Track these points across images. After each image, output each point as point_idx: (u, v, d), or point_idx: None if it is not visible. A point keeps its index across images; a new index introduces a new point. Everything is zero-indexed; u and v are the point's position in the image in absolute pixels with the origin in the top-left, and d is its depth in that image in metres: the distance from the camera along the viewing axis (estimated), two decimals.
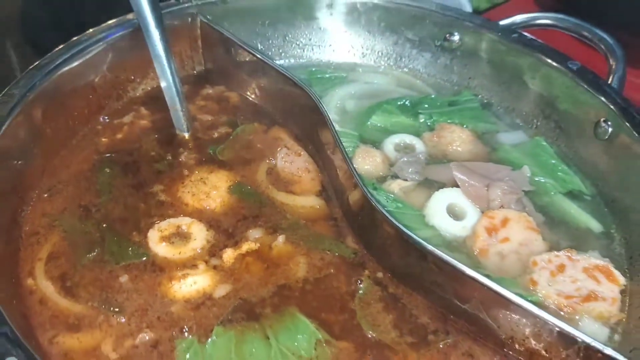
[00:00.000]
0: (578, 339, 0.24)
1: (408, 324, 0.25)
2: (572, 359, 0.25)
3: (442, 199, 0.31)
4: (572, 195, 0.33)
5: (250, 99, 0.37)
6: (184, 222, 0.29)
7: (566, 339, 0.24)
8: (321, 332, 0.25)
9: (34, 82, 0.31)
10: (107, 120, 0.35)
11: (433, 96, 0.40)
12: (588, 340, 0.24)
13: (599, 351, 0.23)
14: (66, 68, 0.33)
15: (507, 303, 0.24)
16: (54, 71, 0.32)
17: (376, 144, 0.36)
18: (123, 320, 0.26)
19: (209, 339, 0.25)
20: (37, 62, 0.33)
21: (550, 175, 0.34)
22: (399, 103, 0.38)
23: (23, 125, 0.30)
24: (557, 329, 0.24)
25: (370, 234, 0.28)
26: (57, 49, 0.33)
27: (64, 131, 0.33)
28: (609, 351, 0.23)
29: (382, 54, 0.42)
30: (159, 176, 0.32)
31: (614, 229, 0.31)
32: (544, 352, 0.25)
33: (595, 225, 0.32)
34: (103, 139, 0.34)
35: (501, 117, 0.39)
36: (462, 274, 0.25)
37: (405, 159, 0.33)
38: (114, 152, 0.33)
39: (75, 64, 0.34)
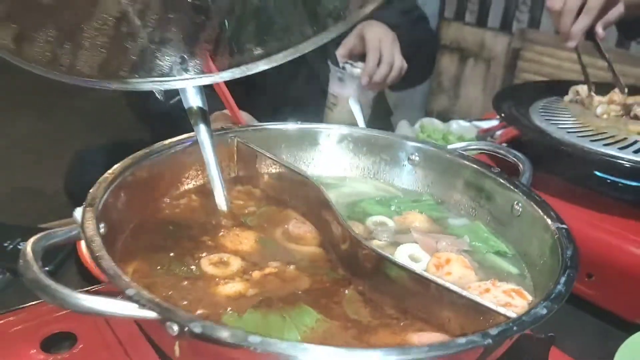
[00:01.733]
0: (491, 307, 0.34)
1: (378, 313, 0.37)
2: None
3: (404, 250, 0.43)
4: (499, 253, 0.45)
5: (270, 193, 0.52)
6: (224, 255, 0.41)
7: (484, 312, 0.35)
8: (320, 315, 0.36)
9: (123, 171, 0.46)
10: (169, 202, 0.49)
11: (401, 196, 0.54)
12: (500, 309, 0.34)
13: (504, 316, 0.34)
14: (146, 163, 0.48)
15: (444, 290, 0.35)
16: (136, 166, 0.47)
17: (360, 221, 0.49)
18: (185, 303, 0.37)
19: (244, 315, 0.36)
20: (127, 158, 0.47)
21: (484, 242, 0.47)
22: (376, 199, 0.53)
23: (113, 201, 0.43)
24: (476, 302, 0.34)
25: (355, 266, 0.40)
26: (142, 151, 0.48)
27: (138, 207, 0.47)
28: (510, 313, 0.34)
29: (364, 169, 0.57)
30: (207, 232, 0.45)
31: (525, 271, 0.43)
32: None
33: (513, 269, 0.44)
34: (166, 211, 0.48)
35: (450, 209, 0.53)
36: (420, 276, 0.36)
37: (380, 229, 0.47)
38: (175, 218, 0.46)
39: (151, 162, 0.48)
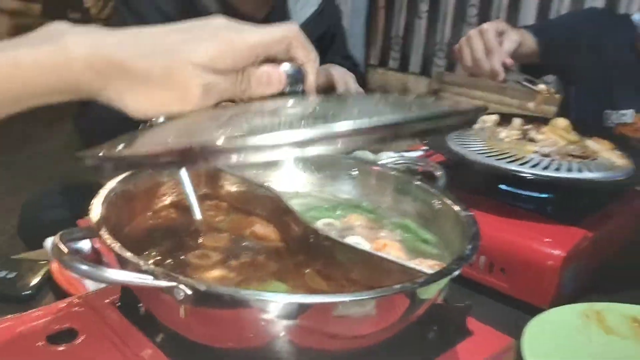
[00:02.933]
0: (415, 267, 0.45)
1: (334, 284, 0.47)
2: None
3: (350, 240, 0.54)
4: (424, 241, 0.57)
5: (236, 205, 0.62)
6: (206, 251, 0.50)
7: (414, 274, 0.46)
8: (288, 287, 0.46)
9: (114, 189, 0.54)
10: (151, 214, 0.57)
11: (344, 204, 0.65)
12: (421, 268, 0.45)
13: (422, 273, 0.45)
14: (131, 182, 0.56)
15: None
16: (122, 184, 0.55)
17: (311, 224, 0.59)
18: None
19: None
20: (113, 179, 0.56)
21: (413, 234, 0.58)
22: (324, 207, 0.64)
23: (106, 213, 0.52)
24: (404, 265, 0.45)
25: (314, 252, 0.50)
26: (127, 172, 0.57)
27: (126, 219, 0.55)
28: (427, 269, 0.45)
29: (313, 184, 0.67)
30: (188, 235, 0.54)
31: (445, 252, 0.55)
32: None
33: (435, 251, 0.55)
34: (150, 222, 0.56)
35: (385, 211, 0.63)
36: (366, 252, 0.46)
37: (329, 228, 0.57)
38: (159, 227, 0.55)
39: (135, 181, 0.57)
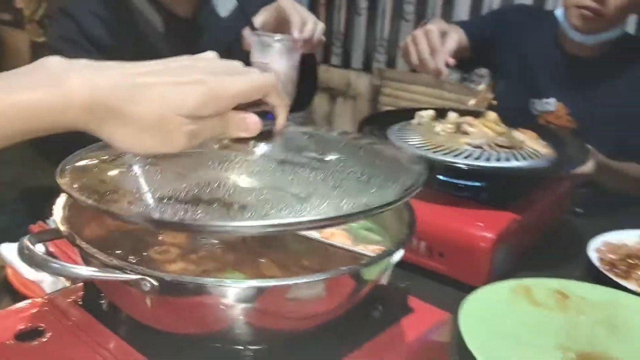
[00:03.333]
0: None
1: (287, 271, 0.51)
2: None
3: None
4: (368, 229, 0.62)
5: None
6: (166, 247, 0.54)
7: (359, 259, 0.51)
8: (245, 275, 0.50)
9: None
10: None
11: None
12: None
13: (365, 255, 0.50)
14: None
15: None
16: None
17: None
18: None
19: None
20: None
21: (358, 224, 0.64)
22: None
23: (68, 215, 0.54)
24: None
25: (269, 244, 0.55)
26: None
27: (85, 223, 0.58)
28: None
29: None
30: (147, 234, 0.57)
31: (387, 238, 0.60)
32: None
33: (377, 238, 0.61)
34: (109, 222, 0.59)
35: None
36: (315, 240, 0.51)
37: None
38: (118, 230, 0.58)
39: None
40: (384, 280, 0.73)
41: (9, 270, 0.77)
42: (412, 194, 0.49)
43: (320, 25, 1.10)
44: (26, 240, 0.44)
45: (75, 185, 0.46)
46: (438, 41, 1.11)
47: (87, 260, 0.45)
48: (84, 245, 0.45)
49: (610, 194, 1.23)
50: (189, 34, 1.21)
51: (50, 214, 0.85)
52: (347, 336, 0.54)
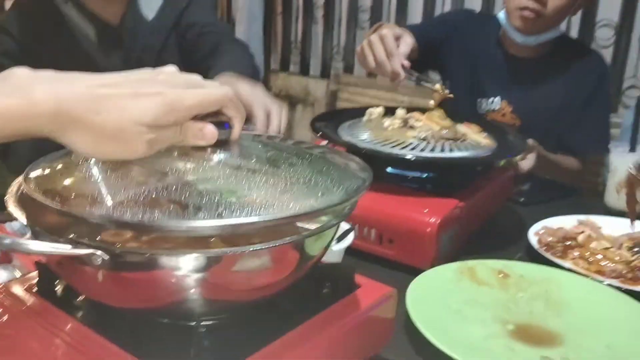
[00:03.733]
0: None
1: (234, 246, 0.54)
2: None
3: None
4: None
5: None
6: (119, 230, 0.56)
7: None
8: None
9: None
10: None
11: None
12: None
13: None
14: None
15: None
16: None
17: None
18: None
19: None
20: None
21: None
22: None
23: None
24: None
25: None
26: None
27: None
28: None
29: None
30: None
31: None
32: None
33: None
34: None
35: None
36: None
37: None
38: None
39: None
40: (334, 259, 0.76)
41: None
42: (354, 197, 0.52)
43: (284, 113, 1.12)
44: None
45: (39, 189, 0.48)
46: (393, 45, 1.16)
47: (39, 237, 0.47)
48: (34, 225, 0.47)
49: (550, 185, 1.30)
50: (119, 40, 1.23)
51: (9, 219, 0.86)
52: (297, 310, 0.57)
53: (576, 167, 1.44)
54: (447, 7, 2.93)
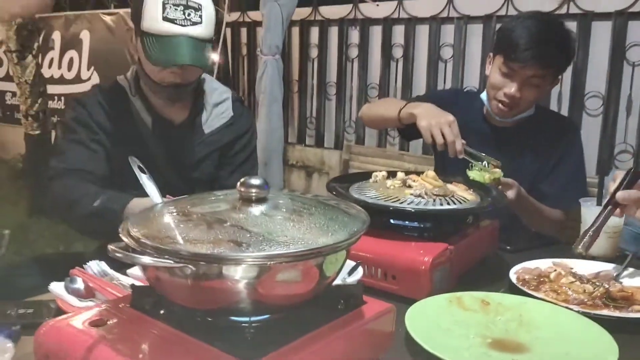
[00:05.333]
0: None
1: None
2: None
3: None
4: None
5: None
6: None
7: None
8: None
9: None
10: None
11: None
12: None
13: None
14: None
15: None
16: None
17: None
18: None
19: None
20: None
21: None
22: None
23: None
24: None
25: None
26: None
27: None
28: None
29: None
30: None
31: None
32: None
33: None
34: None
35: None
36: None
37: None
38: None
39: None
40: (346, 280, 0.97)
41: (59, 301, 1.00)
42: (353, 238, 0.75)
43: None
44: (112, 247, 0.68)
45: (141, 233, 0.71)
46: (457, 130, 1.45)
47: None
48: (149, 242, 0.69)
49: (532, 235, 1.51)
50: (175, 137, 1.50)
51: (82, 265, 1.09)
52: (318, 318, 0.78)
53: (558, 217, 1.64)
54: (448, 84, 3.23)
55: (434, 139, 1.44)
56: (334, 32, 3.69)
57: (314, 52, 3.80)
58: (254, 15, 3.94)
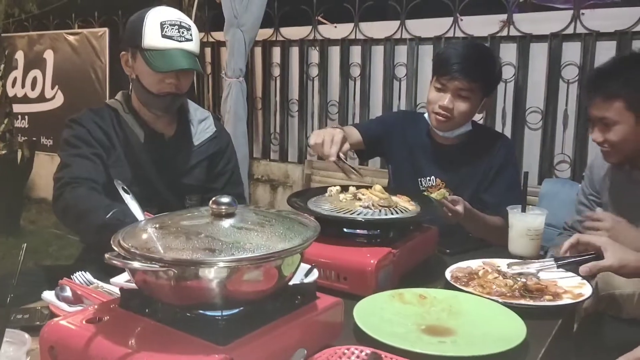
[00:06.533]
0: None
1: None
2: None
3: None
4: None
5: None
6: None
7: None
8: None
9: None
10: None
11: None
12: None
13: None
14: None
15: None
16: None
17: None
18: None
19: None
20: None
21: None
22: None
23: None
24: None
25: None
26: None
27: None
28: None
29: None
30: None
31: None
32: None
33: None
34: None
35: None
36: None
37: None
38: None
39: None
40: (303, 281, 1.14)
41: (51, 307, 1.14)
42: (305, 244, 0.92)
43: None
44: (108, 255, 0.83)
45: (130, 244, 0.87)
46: (338, 137, 1.60)
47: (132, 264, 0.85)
48: (137, 251, 0.85)
49: (470, 240, 1.71)
50: (166, 148, 1.67)
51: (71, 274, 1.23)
52: (278, 310, 0.95)
53: (500, 224, 1.84)
54: (403, 103, 3.46)
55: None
56: (295, 52, 3.89)
57: (276, 71, 3.98)
58: (217, 35, 4.10)
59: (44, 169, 4.86)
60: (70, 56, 5.07)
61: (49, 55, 5.28)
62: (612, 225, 1.46)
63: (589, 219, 1.52)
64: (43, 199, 5.01)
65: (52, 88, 5.26)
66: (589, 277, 1.33)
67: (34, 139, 4.95)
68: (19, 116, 5.40)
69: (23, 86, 5.47)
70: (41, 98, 5.34)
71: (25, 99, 5.44)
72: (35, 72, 5.38)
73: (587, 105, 1.60)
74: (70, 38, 5.07)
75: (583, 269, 1.32)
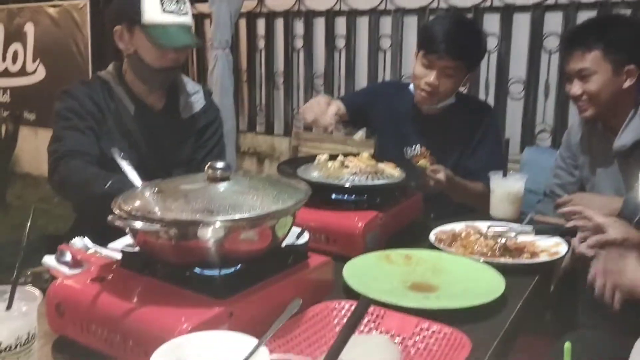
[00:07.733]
0: None
1: None
2: None
3: None
4: None
5: None
6: None
7: None
8: None
9: None
10: None
11: None
12: None
13: None
14: None
15: None
16: None
17: None
18: None
19: None
20: None
21: None
22: None
23: None
24: None
25: None
26: None
27: None
28: None
29: None
30: None
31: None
32: None
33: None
34: None
35: None
36: None
37: None
38: None
39: None
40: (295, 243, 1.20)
41: (52, 270, 1.19)
42: (298, 205, 0.97)
43: None
44: (111, 217, 0.88)
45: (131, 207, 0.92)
46: (325, 106, 1.65)
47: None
48: (139, 214, 0.90)
49: (455, 205, 1.77)
50: (155, 120, 1.70)
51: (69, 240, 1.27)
52: (273, 268, 1.01)
53: (481, 190, 1.90)
54: (388, 74, 3.49)
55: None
56: (279, 23, 3.89)
57: (261, 43, 3.98)
58: (201, 7, 4.08)
59: (28, 144, 4.84)
60: (51, 29, 5.01)
61: (29, 29, 5.20)
62: (580, 199, 1.54)
63: (559, 206, 1.58)
64: (28, 173, 5.00)
65: (34, 62, 5.20)
66: (588, 254, 1.28)
67: (18, 113, 4.91)
68: (1, 90, 5.34)
69: (4, 60, 5.39)
70: (22, 72, 5.28)
71: (6, 73, 5.37)
72: (16, 46, 5.31)
73: (565, 62, 1.65)
74: (51, 11, 5.00)
75: (585, 245, 1.30)
